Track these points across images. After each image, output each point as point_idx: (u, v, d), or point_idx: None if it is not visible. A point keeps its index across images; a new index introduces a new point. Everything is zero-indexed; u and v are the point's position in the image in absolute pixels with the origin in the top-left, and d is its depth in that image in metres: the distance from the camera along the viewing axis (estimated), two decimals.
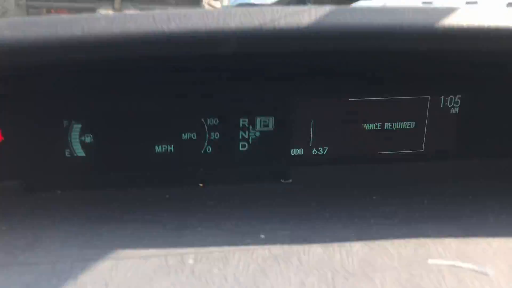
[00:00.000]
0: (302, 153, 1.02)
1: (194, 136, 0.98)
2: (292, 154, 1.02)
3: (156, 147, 0.98)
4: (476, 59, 0.90)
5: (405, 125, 1.03)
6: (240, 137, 1.00)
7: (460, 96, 1.03)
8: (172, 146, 0.99)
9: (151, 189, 0.94)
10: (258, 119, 0.99)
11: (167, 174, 0.98)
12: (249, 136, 1.00)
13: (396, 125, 1.03)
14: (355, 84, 0.99)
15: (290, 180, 0.97)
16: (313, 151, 1.02)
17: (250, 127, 1.00)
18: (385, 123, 1.03)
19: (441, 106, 1.03)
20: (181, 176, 0.98)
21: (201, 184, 0.96)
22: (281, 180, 0.98)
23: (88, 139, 0.95)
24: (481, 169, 1.03)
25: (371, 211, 0.80)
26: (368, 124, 1.02)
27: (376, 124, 1.02)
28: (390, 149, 1.04)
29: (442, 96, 1.02)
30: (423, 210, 0.82)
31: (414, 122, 1.03)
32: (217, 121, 0.98)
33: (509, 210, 0.81)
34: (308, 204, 0.84)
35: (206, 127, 0.98)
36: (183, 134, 0.98)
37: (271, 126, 1.00)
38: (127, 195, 0.91)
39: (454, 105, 1.03)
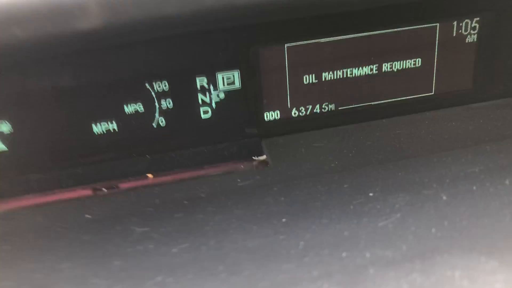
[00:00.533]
0: (278, 116, 0.80)
1: (140, 107, 0.76)
2: (266, 119, 0.79)
3: (94, 126, 0.76)
4: None
5: (409, 64, 0.80)
6: (200, 101, 0.77)
7: (478, 19, 0.78)
8: (114, 122, 0.76)
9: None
10: (219, 75, 0.76)
11: (114, 163, 0.76)
12: (211, 99, 0.77)
13: (397, 65, 0.80)
14: (340, 18, 0.75)
15: (265, 157, 0.74)
16: (293, 113, 0.80)
17: (211, 87, 0.77)
18: (383, 65, 0.79)
19: (454, 34, 0.79)
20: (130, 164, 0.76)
21: (149, 175, 0.74)
22: (253, 157, 0.75)
23: (5, 128, 0.73)
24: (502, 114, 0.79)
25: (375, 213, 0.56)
26: (360, 69, 0.79)
27: (371, 66, 0.79)
28: (392, 96, 0.81)
29: (456, 21, 0.78)
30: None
31: (420, 59, 0.80)
32: (167, 84, 0.75)
33: None
34: (292, 202, 0.61)
35: (153, 93, 0.76)
36: (125, 106, 0.76)
37: (237, 84, 0.77)
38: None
39: (471, 31, 0.79)
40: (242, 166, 0.73)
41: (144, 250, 0.52)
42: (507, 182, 0.58)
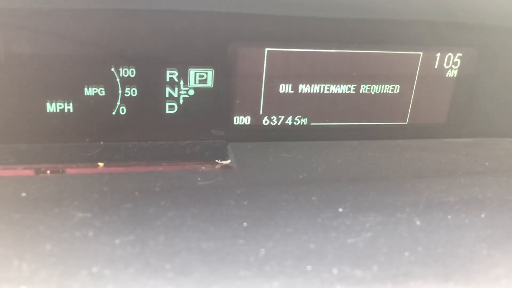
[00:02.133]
0: (248, 122, 0.74)
1: (101, 91, 0.69)
2: (235, 123, 0.73)
3: (48, 105, 0.68)
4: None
5: (387, 89, 0.76)
6: (167, 95, 0.71)
7: (461, 54, 0.76)
8: (71, 103, 0.68)
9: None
10: (192, 71, 0.70)
11: (64, 146, 0.68)
12: (179, 94, 0.71)
13: (375, 89, 0.76)
14: (323, 29, 0.71)
15: (229, 161, 0.68)
16: (263, 121, 0.74)
17: (181, 82, 0.70)
18: (361, 86, 0.75)
19: (435, 66, 0.76)
20: (81, 150, 0.68)
21: (100, 164, 0.66)
22: (217, 160, 0.69)
23: None
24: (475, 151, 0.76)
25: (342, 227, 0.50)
26: (338, 86, 0.74)
27: (349, 86, 0.75)
28: (366, 120, 0.77)
29: (439, 53, 0.75)
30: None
31: (398, 86, 0.76)
32: (134, 71, 0.68)
33: None
34: (256, 208, 0.54)
35: (118, 79, 0.69)
36: (85, 88, 0.68)
37: (210, 83, 0.71)
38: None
39: (453, 66, 0.77)
40: (203, 167, 0.67)
41: (82, 237, 0.44)
42: (482, 215, 0.54)
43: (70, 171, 0.62)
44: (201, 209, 0.51)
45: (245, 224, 0.48)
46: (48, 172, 0.62)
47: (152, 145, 0.70)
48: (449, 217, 0.53)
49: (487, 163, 0.70)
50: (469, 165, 0.69)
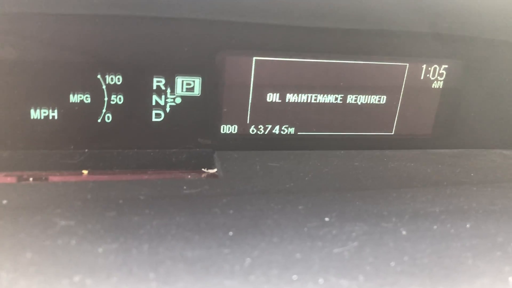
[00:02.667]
0: (236, 131, 0.73)
1: (87, 98, 0.68)
2: (222, 131, 0.73)
3: (32, 111, 0.67)
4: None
5: (374, 99, 0.76)
6: (154, 102, 0.70)
7: (446, 66, 0.76)
8: (56, 110, 0.67)
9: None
10: (179, 79, 0.70)
11: (47, 153, 0.67)
12: (166, 102, 0.70)
13: (362, 99, 0.76)
14: (312, 39, 0.71)
15: (216, 170, 0.67)
16: (250, 130, 0.74)
17: (168, 90, 0.70)
18: (348, 96, 0.75)
19: (421, 77, 0.77)
20: (65, 157, 0.67)
21: (84, 171, 0.65)
22: (203, 169, 0.68)
23: None
24: (460, 162, 0.77)
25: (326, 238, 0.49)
26: (326, 96, 0.74)
27: (336, 96, 0.75)
28: (353, 130, 0.77)
29: (425, 65, 0.76)
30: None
31: (385, 97, 0.77)
32: (120, 78, 0.68)
33: None
34: (241, 217, 0.53)
35: (104, 86, 0.68)
36: (71, 95, 0.67)
37: (197, 91, 0.71)
38: None
39: (438, 77, 0.77)
40: (189, 176, 0.66)
41: (65, 245, 0.43)
42: (468, 226, 0.54)
43: (54, 178, 0.61)
44: (186, 217, 0.50)
45: (230, 233, 0.48)
46: (31, 179, 0.61)
47: (138, 153, 0.69)
48: (435, 227, 0.53)
49: (472, 174, 0.70)
50: (454, 176, 0.69)
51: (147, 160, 0.68)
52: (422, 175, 0.68)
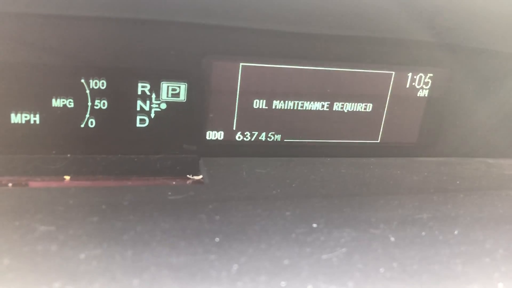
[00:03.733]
0: (221, 137, 0.72)
1: (70, 103, 0.66)
2: (208, 138, 0.72)
3: (13, 115, 0.65)
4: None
5: (360, 107, 0.76)
6: (138, 108, 0.69)
7: (432, 75, 0.77)
8: (37, 115, 0.65)
9: None
10: (164, 84, 0.69)
11: (28, 158, 0.65)
12: (151, 108, 0.69)
13: (348, 107, 0.76)
14: (299, 46, 0.70)
15: (201, 177, 0.66)
16: (237, 137, 0.73)
17: (153, 95, 0.68)
18: (334, 103, 0.75)
19: (407, 86, 0.77)
20: (46, 162, 0.65)
21: (66, 177, 0.63)
22: (188, 175, 0.66)
23: None
24: (446, 170, 0.77)
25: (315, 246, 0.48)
26: (312, 103, 0.74)
27: (323, 103, 0.74)
28: (339, 137, 0.77)
29: (410, 73, 0.76)
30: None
31: (371, 105, 0.76)
32: (105, 83, 0.66)
33: None
34: (228, 223, 0.52)
35: (88, 91, 0.66)
36: (53, 99, 0.65)
37: (182, 97, 0.69)
38: None
39: (424, 86, 0.77)
40: (174, 182, 0.64)
41: (45, 251, 0.42)
42: (456, 232, 0.53)
43: (34, 184, 0.59)
44: (171, 223, 0.49)
45: (217, 239, 0.46)
46: (10, 184, 0.59)
47: (121, 159, 0.67)
48: (423, 233, 0.52)
49: (458, 182, 0.70)
50: (440, 184, 0.69)
51: (131, 166, 0.66)
52: (408, 183, 0.68)
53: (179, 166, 0.68)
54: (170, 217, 0.50)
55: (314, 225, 0.52)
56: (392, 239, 0.51)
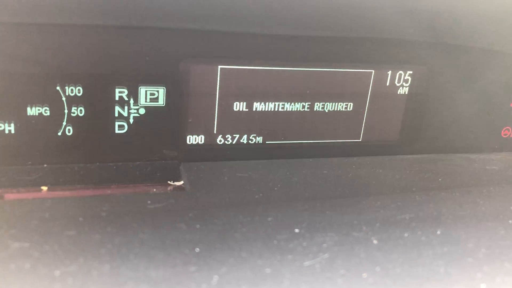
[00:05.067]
0: (202, 141, 0.71)
1: (46, 111, 0.64)
2: (188, 142, 0.70)
3: None
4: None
5: (341, 106, 0.75)
6: (116, 114, 0.67)
7: (411, 72, 0.76)
8: (12, 124, 0.63)
9: None
10: (142, 89, 0.67)
11: (3, 170, 0.63)
12: (129, 113, 0.67)
13: (329, 106, 0.75)
14: (277, 47, 0.69)
15: (182, 182, 0.64)
16: (218, 140, 0.72)
17: (131, 100, 0.67)
18: (315, 103, 0.74)
19: (387, 84, 0.76)
20: (22, 173, 0.63)
21: (44, 188, 0.61)
22: (169, 181, 0.65)
23: None
24: (428, 168, 0.76)
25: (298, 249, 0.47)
26: (293, 104, 0.73)
27: (303, 103, 0.73)
28: (321, 137, 0.76)
29: (390, 71, 0.75)
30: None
31: (351, 104, 0.75)
32: (81, 90, 0.64)
33: None
34: (208, 231, 0.51)
35: (64, 98, 0.64)
36: (28, 108, 0.63)
37: (161, 101, 0.68)
38: None
39: (404, 84, 0.77)
40: (154, 189, 0.63)
41: (17, 270, 0.40)
42: (438, 232, 0.53)
43: (10, 196, 0.57)
44: (150, 234, 0.47)
45: (197, 250, 0.45)
46: None
47: (100, 167, 0.65)
48: (406, 234, 0.52)
49: (440, 179, 0.69)
50: (423, 182, 0.68)
51: (110, 174, 0.65)
52: (390, 182, 0.67)
53: (159, 172, 0.66)
54: (149, 227, 0.49)
55: (296, 230, 0.51)
56: (375, 241, 0.50)
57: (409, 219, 0.55)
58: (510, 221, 0.57)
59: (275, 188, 0.62)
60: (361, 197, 0.61)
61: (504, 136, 0.86)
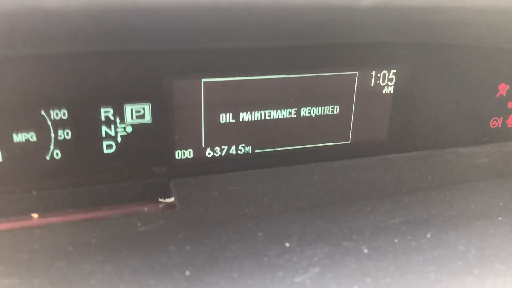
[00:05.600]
0: (191, 155, 0.70)
1: (32, 137, 0.63)
2: (177, 157, 0.70)
3: None
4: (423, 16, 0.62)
5: (327, 110, 0.75)
6: (104, 134, 0.66)
7: (395, 71, 0.75)
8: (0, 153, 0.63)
9: None
10: (128, 107, 0.66)
11: None
12: (116, 132, 0.67)
13: (316, 111, 0.74)
14: (259, 57, 0.69)
15: (173, 199, 0.64)
16: (207, 153, 0.71)
17: (118, 119, 0.66)
18: (301, 109, 0.73)
19: (372, 84, 0.75)
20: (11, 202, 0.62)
21: (35, 215, 0.60)
22: (160, 199, 0.64)
23: None
24: (418, 166, 0.76)
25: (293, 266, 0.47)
26: (279, 111, 0.72)
27: (290, 110, 0.73)
28: (310, 142, 0.75)
29: (374, 71, 0.74)
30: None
31: (338, 107, 0.75)
32: (66, 112, 0.64)
33: None
34: (199, 253, 0.50)
35: (49, 122, 0.64)
36: (14, 135, 0.63)
37: (148, 118, 0.67)
38: None
39: (388, 83, 0.76)
40: (145, 208, 0.63)
41: None
42: (428, 235, 0.52)
43: (1, 227, 0.57)
44: (140, 260, 0.47)
45: (187, 273, 0.45)
46: None
47: (90, 190, 0.65)
48: (396, 240, 0.51)
49: (429, 178, 0.69)
50: (412, 182, 0.68)
51: (100, 196, 0.64)
52: (380, 184, 0.67)
53: (150, 190, 0.66)
54: (139, 253, 0.48)
55: (287, 244, 0.50)
56: (365, 250, 0.50)
57: (399, 223, 0.55)
58: (500, 218, 0.57)
59: (265, 199, 0.62)
60: (351, 203, 0.61)
61: (493, 127, 0.86)
